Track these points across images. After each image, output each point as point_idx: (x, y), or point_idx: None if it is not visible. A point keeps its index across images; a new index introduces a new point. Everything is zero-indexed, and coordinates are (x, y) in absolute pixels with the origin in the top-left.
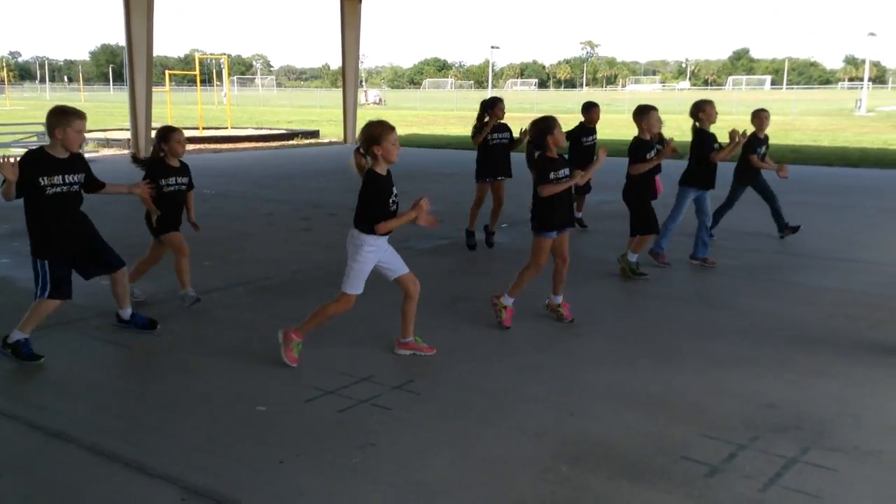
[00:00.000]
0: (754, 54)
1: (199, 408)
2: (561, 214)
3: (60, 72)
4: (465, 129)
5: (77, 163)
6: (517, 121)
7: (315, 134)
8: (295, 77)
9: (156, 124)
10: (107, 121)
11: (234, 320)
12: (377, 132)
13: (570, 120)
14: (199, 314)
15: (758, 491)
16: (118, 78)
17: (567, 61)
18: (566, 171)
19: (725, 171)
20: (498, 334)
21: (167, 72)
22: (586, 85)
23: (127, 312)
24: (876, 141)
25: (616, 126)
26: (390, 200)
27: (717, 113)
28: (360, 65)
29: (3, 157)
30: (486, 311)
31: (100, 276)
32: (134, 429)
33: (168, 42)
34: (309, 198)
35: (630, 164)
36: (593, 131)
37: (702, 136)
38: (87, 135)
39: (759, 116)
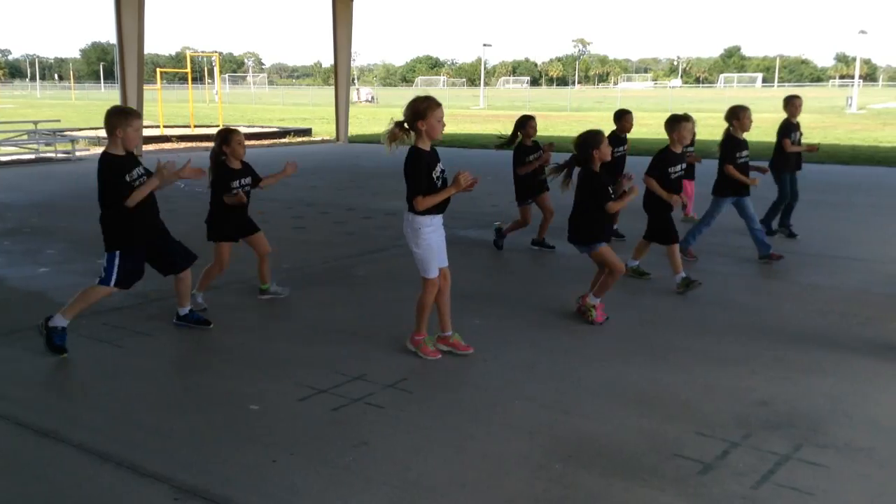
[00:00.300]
0: (746, 52)
1: (192, 407)
2: (606, 228)
3: (51, 70)
4: (457, 127)
5: (135, 160)
6: (509, 119)
7: (307, 132)
8: (287, 75)
9: (147, 122)
10: (98, 119)
11: (227, 319)
12: (423, 107)
13: (560, 118)
14: None
15: (750, 488)
16: (109, 76)
17: (559, 59)
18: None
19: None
20: (491, 332)
21: (158, 70)
22: (578, 83)
23: (185, 310)
24: (867, 139)
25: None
26: (435, 176)
27: (751, 121)
28: (352, 63)
29: (165, 162)
30: (479, 308)
31: (174, 273)
32: (126, 428)
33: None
34: (301, 196)
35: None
36: (625, 140)
37: (729, 143)
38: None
39: (793, 103)
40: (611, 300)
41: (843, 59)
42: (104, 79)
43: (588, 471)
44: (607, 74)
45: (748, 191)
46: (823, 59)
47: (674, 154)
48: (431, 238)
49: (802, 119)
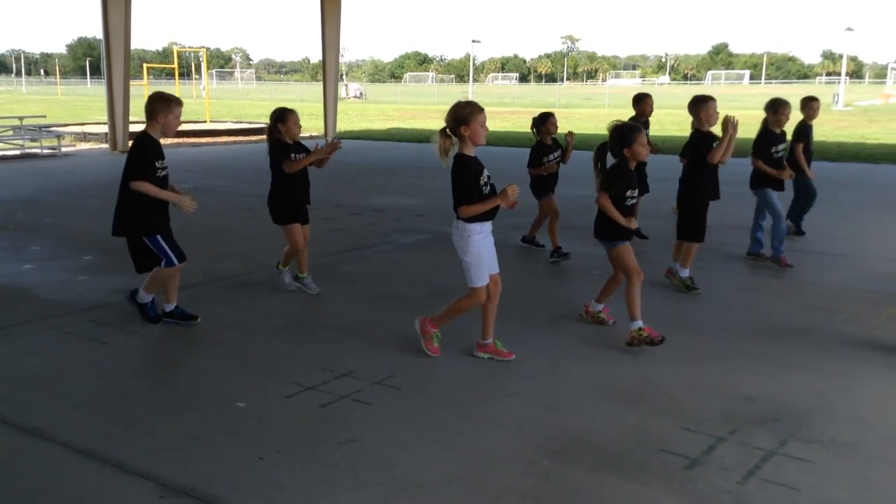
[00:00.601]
0: (733, 49)
1: (178, 405)
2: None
3: (37, 65)
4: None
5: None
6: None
7: None
8: (275, 70)
9: (134, 118)
10: (84, 114)
11: (213, 316)
12: (466, 112)
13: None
14: None
15: (736, 483)
16: (95, 71)
17: (548, 55)
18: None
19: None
20: (476, 329)
21: (145, 65)
22: (567, 79)
23: (171, 306)
24: (853, 135)
25: (597, 119)
26: (482, 182)
27: (787, 118)
28: (340, 58)
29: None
30: None
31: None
32: (111, 426)
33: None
34: None
35: (690, 159)
36: (647, 125)
37: (763, 136)
38: (63, 129)
39: (810, 106)
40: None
41: (829, 57)
42: (90, 74)
43: (576, 466)
44: (596, 71)
45: (782, 185)
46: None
47: (705, 134)
48: (481, 245)
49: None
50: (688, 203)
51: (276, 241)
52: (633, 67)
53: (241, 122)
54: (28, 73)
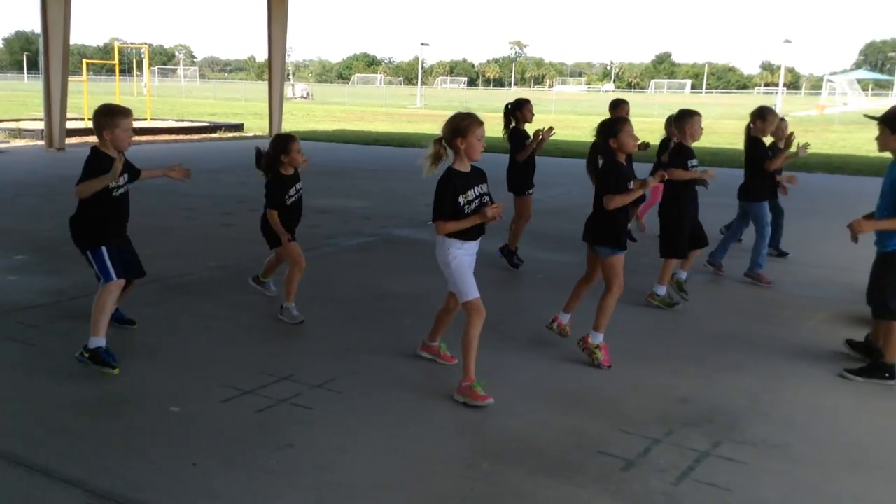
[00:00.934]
0: (676, 59)
1: (109, 409)
2: (625, 228)
3: None
4: (393, 125)
5: (126, 162)
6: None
7: (239, 127)
8: (219, 69)
9: (71, 115)
10: (20, 110)
11: (148, 318)
12: (464, 124)
13: (498, 119)
14: None
15: (671, 484)
16: (33, 66)
17: (496, 60)
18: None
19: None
20: (421, 332)
21: (84, 61)
22: (515, 84)
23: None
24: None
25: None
26: (463, 202)
27: (773, 126)
28: (287, 58)
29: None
30: (412, 308)
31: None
32: (37, 431)
33: (86, 30)
34: (232, 192)
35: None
36: None
37: (756, 145)
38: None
39: (781, 126)
40: (535, 300)
41: (768, 68)
42: (28, 69)
43: (515, 469)
44: (543, 77)
45: (776, 194)
46: (750, 66)
47: (686, 147)
48: (461, 259)
49: (729, 125)
50: (670, 217)
51: (217, 242)
52: (580, 74)
53: (183, 121)
54: None
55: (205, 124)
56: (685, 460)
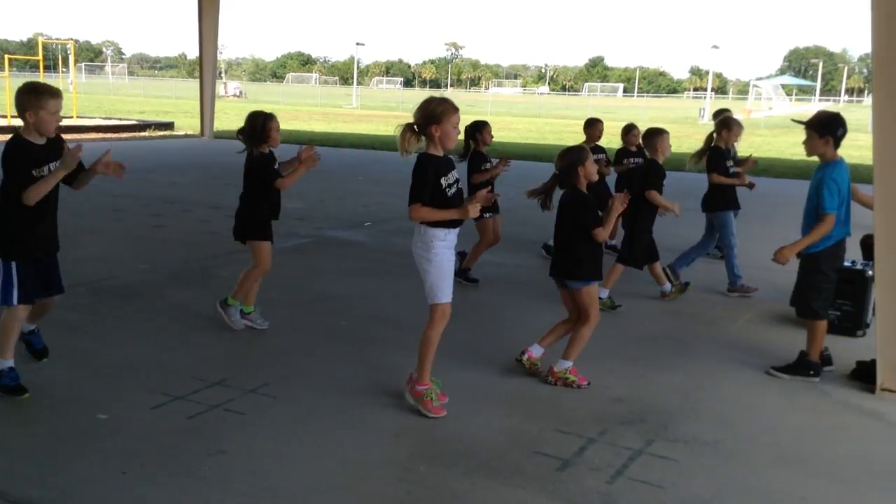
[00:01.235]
0: (609, 62)
1: (33, 417)
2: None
3: None
4: (329, 125)
5: (56, 148)
6: (381, 119)
7: (169, 126)
8: (149, 66)
9: None
10: None
11: (73, 323)
12: (439, 111)
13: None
14: None
15: (605, 483)
16: None
17: (432, 61)
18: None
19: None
20: (357, 334)
21: (7, 56)
22: (451, 86)
23: (29, 327)
24: None
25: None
26: (446, 184)
27: (738, 133)
28: (218, 55)
29: (74, 147)
30: (346, 309)
31: (42, 297)
32: None
33: (9, 24)
34: (161, 193)
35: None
36: (600, 150)
37: (717, 154)
38: None
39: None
40: (472, 303)
41: (697, 73)
42: None
43: (452, 471)
44: (479, 79)
45: (738, 204)
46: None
47: (660, 165)
48: (444, 253)
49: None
50: (634, 229)
51: (146, 244)
52: (515, 77)
53: (110, 119)
54: None
55: (133, 122)
56: (619, 459)
